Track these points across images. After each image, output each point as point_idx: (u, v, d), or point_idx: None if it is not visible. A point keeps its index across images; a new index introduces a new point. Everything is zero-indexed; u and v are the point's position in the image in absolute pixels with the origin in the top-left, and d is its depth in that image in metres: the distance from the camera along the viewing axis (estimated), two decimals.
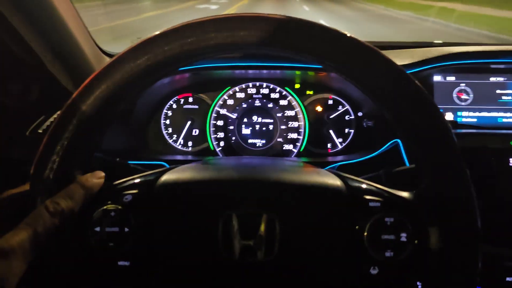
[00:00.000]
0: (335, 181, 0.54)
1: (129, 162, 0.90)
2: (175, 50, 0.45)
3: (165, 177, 0.53)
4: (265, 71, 0.99)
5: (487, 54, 0.95)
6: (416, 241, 0.49)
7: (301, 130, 1.02)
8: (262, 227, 0.48)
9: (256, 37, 0.44)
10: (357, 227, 0.50)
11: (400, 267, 0.50)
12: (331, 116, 1.02)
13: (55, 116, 0.84)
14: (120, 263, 0.49)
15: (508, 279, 0.73)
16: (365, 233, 0.50)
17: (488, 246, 0.73)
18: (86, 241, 0.49)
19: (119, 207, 0.50)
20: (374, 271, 0.50)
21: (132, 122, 0.99)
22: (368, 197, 0.51)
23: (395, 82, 0.44)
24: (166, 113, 1.04)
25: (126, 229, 0.50)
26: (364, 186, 0.55)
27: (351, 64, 0.45)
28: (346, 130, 1.03)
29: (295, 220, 0.50)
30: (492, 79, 1.02)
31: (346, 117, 1.03)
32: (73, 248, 0.49)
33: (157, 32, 0.45)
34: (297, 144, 1.02)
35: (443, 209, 0.46)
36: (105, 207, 0.50)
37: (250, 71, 1.00)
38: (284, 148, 1.03)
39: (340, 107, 1.03)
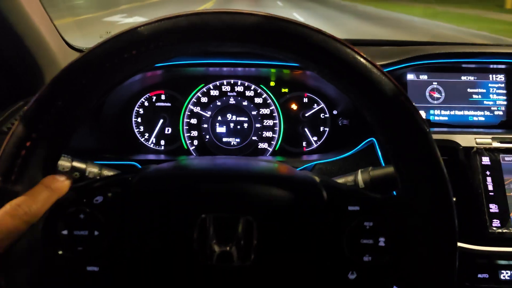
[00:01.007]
0: (314, 185, 0.53)
1: (99, 162, 0.86)
2: (149, 46, 0.42)
3: (137, 179, 0.51)
4: (240, 68, 0.98)
5: (460, 55, 0.97)
6: (394, 245, 0.49)
7: (276, 128, 1.01)
8: (239, 231, 0.47)
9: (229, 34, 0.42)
10: (336, 231, 0.50)
11: (379, 271, 0.50)
12: (306, 115, 1.02)
13: (20, 114, 0.79)
14: (89, 268, 0.47)
15: (479, 275, 0.75)
16: (344, 238, 0.50)
17: (460, 243, 0.74)
18: (53, 245, 0.46)
19: (88, 209, 0.47)
20: (352, 276, 0.50)
21: (102, 120, 0.95)
22: (347, 200, 0.50)
23: (374, 82, 0.43)
24: (138, 111, 1.01)
25: (96, 233, 0.47)
26: (343, 189, 0.54)
27: (331, 63, 0.43)
28: (321, 129, 1.02)
29: (272, 224, 0.48)
30: (463, 78, 1.04)
31: (321, 116, 1.02)
32: (38, 253, 0.46)
33: (129, 28, 0.42)
34: (272, 142, 1.01)
35: (421, 212, 0.46)
36: (73, 209, 0.47)
37: (225, 68, 0.98)
38: (259, 146, 1.01)
39: (315, 105, 1.02)
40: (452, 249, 0.45)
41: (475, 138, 0.80)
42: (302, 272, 0.49)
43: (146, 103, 1.01)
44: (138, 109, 1.00)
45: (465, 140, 0.80)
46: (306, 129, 1.02)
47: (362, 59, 0.43)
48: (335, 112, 1.02)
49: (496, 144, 0.80)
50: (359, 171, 0.67)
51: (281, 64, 0.90)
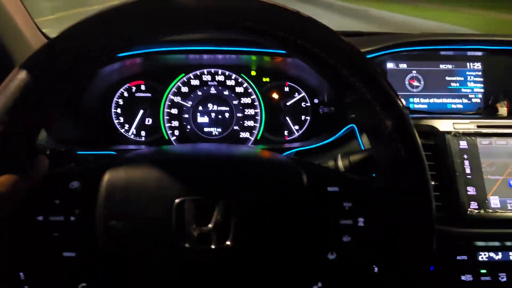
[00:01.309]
0: (293, 167, 0.53)
1: (78, 152, 0.85)
2: (126, 28, 0.41)
3: (114, 163, 0.50)
4: (220, 57, 0.97)
5: (437, 42, 0.98)
6: (374, 226, 0.49)
7: (258, 117, 1.01)
8: (217, 213, 0.46)
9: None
10: (315, 212, 0.50)
11: (358, 251, 0.50)
12: (288, 103, 1.02)
13: None
14: (66, 254, 0.46)
15: (458, 257, 0.76)
16: (323, 218, 0.50)
17: (439, 225, 0.75)
18: (28, 231, 0.45)
19: (64, 194, 0.46)
20: (332, 256, 0.50)
21: (82, 111, 0.93)
22: (326, 182, 0.50)
23: (354, 66, 0.43)
24: (117, 102, 0.99)
25: (72, 218, 0.46)
26: (322, 171, 0.54)
27: (313, 45, 0.43)
28: (303, 117, 1.02)
29: (252, 206, 0.48)
30: (442, 66, 1.05)
31: (303, 104, 1.02)
32: (13, 239, 0.45)
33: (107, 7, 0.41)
34: (253, 131, 1.01)
35: (400, 193, 0.46)
36: (48, 194, 0.46)
37: (205, 57, 0.97)
38: (240, 136, 1.01)
39: (296, 94, 1.02)
40: (430, 228, 0.46)
41: (453, 124, 0.82)
42: (281, 253, 0.49)
43: (125, 94, 0.99)
44: (117, 100, 0.99)
45: (443, 125, 0.82)
46: (287, 118, 1.01)
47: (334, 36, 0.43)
48: (316, 100, 1.02)
49: (473, 129, 0.81)
50: (339, 155, 0.68)
51: (261, 50, 0.90)
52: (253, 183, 0.50)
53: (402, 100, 1.00)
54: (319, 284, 0.50)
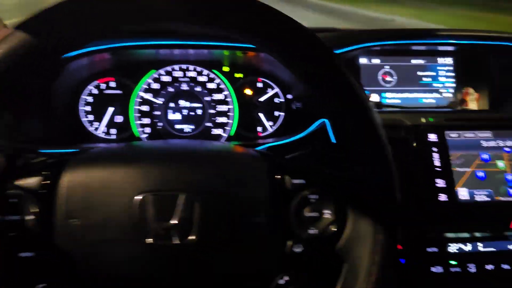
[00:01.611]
0: (256, 159, 0.52)
1: (43, 151, 0.82)
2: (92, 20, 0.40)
3: (74, 160, 0.49)
4: (192, 53, 0.95)
5: (409, 36, 0.98)
6: (339, 218, 0.49)
7: (231, 114, 0.99)
8: (179, 208, 0.45)
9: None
10: (280, 205, 0.49)
11: (324, 244, 0.50)
12: (261, 99, 1.01)
13: None
14: (22, 254, 0.44)
15: (428, 249, 0.76)
16: (289, 211, 0.49)
17: (409, 219, 0.75)
18: None
19: (21, 192, 0.45)
20: (298, 249, 0.49)
21: (50, 109, 0.91)
22: (292, 174, 0.50)
23: (320, 59, 0.43)
24: (86, 99, 0.96)
25: (29, 217, 0.45)
26: (289, 163, 0.54)
27: (276, 38, 0.42)
28: (276, 113, 1.02)
29: (215, 200, 0.47)
30: (414, 61, 1.06)
31: (276, 100, 1.02)
32: None
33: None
34: (226, 128, 1.00)
35: (365, 186, 0.46)
36: (4, 193, 0.44)
37: (176, 53, 0.96)
38: (213, 132, 1.00)
39: (269, 89, 1.01)
40: (393, 227, 0.46)
41: (421, 117, 0.82)
42: (246, 247, 0.49)
43: (94, 91, 0.97)
44: (86, 97, 0.96)
45: (412, 118, 0.82)
46: (261, 114, 1.01)
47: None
48: (289, 96, 1.01)
49: (442, 122, 0.81)
50: (308, 149, 0.68)
51: (233, 45, 0.88)
52: (215, 176, 0.49)
53: (373, 95, 1.01)
54: (286, 278, 0.50)
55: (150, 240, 0.44)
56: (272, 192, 0.49)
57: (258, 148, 0.84)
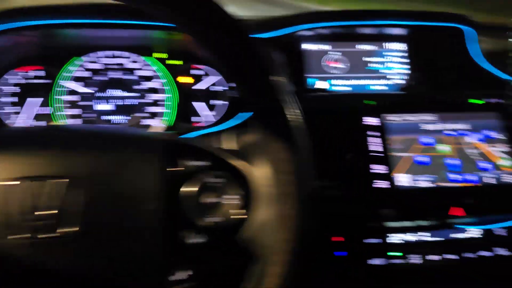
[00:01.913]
0: (150, 142, 0.47)
1: None
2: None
3: None
4: (126, 36, 0.88)
5: (354, 16, 0.93)
6: (243, 205, 0.45)
7: (168, 103, 0.93)
8: (60, 196, 0.40)
9: None
10: (175, 191, 0.44)
11: (229, 233, 0.45)
12: (197, 88, 0.95)
13: None
14: None
15: (369, 240, 0.72)
16: (186, 197, 0.44)
17: (347, 206, 0.70)
18: None
19: None
20: (200, 240, 0.44)
21: None
22: (195, 156, 0.46)
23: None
24: (4, 90, 0.88)
25: None
26: (189, 144, 0.49)
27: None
28: (214, 102, 0.96)
29: (102, 187, 0.42)
30: (359, 47, 1.02)
31: (214, 88, 0.96)
32: None
33: None
34: (162, 118, 0.93)
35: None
36: None
37: (107, 38, 0.89)
38: (147, 123, 0.93)
39: (207, 78, 0.96)
40: (311, 200, 0.42)
41: (360, 101, 0.78)
42: (136, 238, 0.43)
43: (15, 80, 0.89)
44: (4, 87, 0.88)
45: (351, 103, 0.77)
46: (199, 103, 0.95)
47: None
48: (229, 84, 0.96)
49: (380, 106, 0.77)
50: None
51: (159, 24, 0.82)
52: (105, 161, 0.43)
53: (324, 84, 0.96)
54: (189, 272, 0.45)
55: (27, 234, 0.38)
56: (165, 177, 0.43)
57: (185, 136, 0.78)
